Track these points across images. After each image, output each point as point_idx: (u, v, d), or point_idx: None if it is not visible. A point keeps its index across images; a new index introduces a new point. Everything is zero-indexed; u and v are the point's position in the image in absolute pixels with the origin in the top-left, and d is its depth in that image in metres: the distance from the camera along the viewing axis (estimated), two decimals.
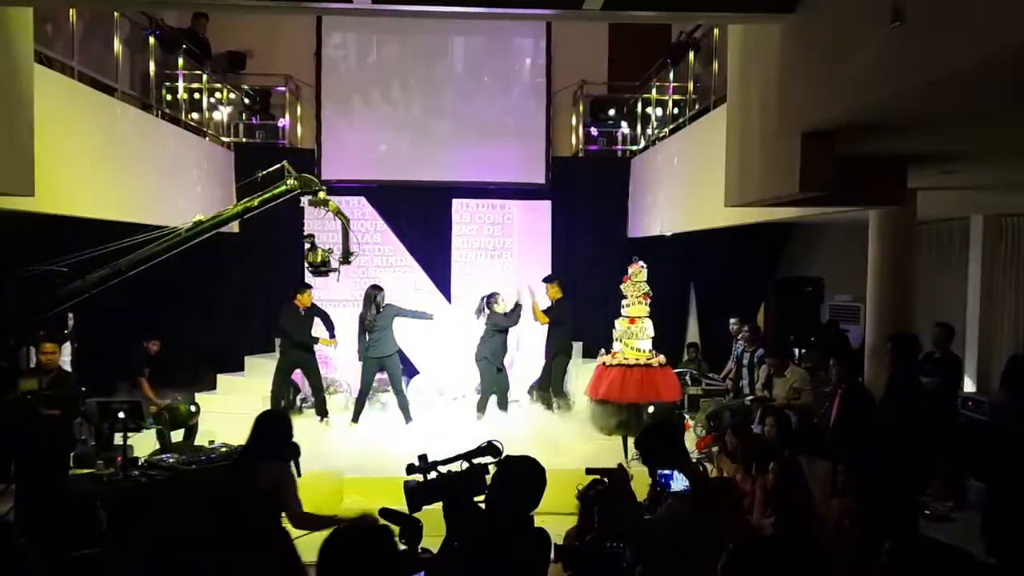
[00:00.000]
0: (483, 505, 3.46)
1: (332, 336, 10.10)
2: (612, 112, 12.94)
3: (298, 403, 10.57)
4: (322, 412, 9.89)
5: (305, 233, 8.49)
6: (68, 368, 8.28)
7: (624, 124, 12.92)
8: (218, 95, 11.74)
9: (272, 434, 4.54)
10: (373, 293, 9.74)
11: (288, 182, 7.47)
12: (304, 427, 9.70)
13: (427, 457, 3.56)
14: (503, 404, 10.09)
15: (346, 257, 8.12)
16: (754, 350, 9.83)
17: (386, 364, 9.72)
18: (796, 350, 9.76)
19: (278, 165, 7.61)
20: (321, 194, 7.83)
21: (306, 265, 8.29)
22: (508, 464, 3.46)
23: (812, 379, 8.21)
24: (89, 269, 6.90)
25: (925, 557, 2.53)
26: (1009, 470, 5.01)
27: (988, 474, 5.73)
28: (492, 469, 3.53)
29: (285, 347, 10.10)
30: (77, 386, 7.21)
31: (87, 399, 7.25)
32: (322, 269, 8.01)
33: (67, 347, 8.45)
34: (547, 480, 3.45)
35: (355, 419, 9.73)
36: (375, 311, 9.62)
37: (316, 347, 9.97)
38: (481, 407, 10.01)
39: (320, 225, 9.99)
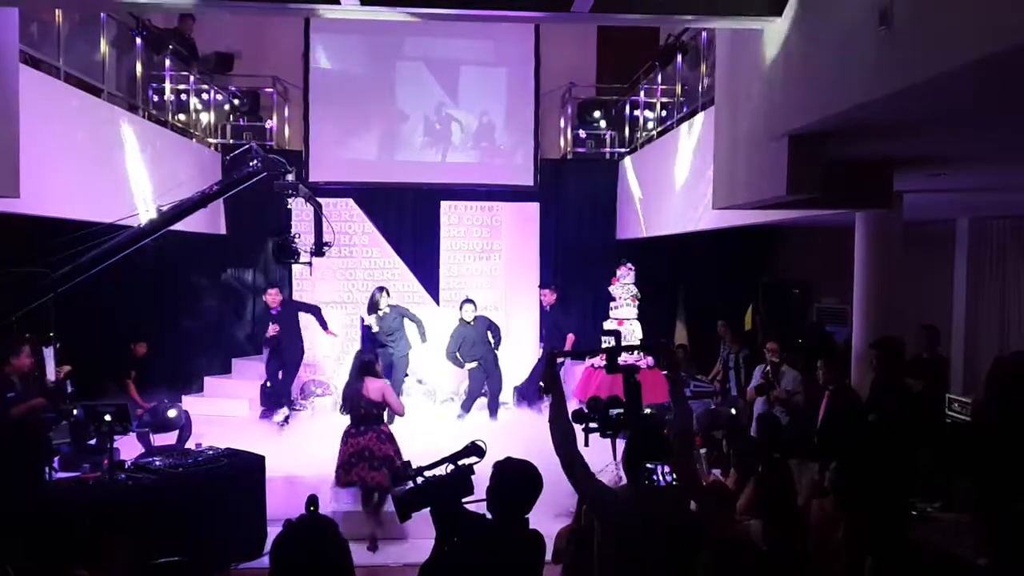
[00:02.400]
0: (474, 507, 3.46)
1: (325, 328, 10.26)
2: (597, 114, 12.94)
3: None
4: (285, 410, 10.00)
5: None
6: (52, 370, 8.24)
7: (603, 123, 12.91)
8: (205, 96, 11.69)
9: (365, 360, 7.15)
10: (377, 295, 9.89)
11: (252, 164, 6.95)
12: (299, 430, 9.68)
13: (411, 464, 3.55)
14: (493, 407, 10.07)
15: (319, 248, 7.60)
16: (738, 351, 9.84)
17: (396, 364, 9.87)
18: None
19: (245, 146, 7.12)
20: (289, 177, 7.30)
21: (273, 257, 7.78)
22: (503, 467, 3.46)
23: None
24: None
25: (911, 558, 2.55)
26: (994, 471, 5.03)
27: (974, 475, 5.75)
28: (477, 469, 3.53)
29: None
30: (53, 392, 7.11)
31: (74, 403, 7.18)
32: (289, 260, 7.44)
33: (49, 351, 8.39)
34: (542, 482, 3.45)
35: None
36: (377, 311, 9.71)
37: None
38: (466, 407, 10.03)
39: (305, 228, 9.94)
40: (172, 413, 7.82)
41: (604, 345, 3.90)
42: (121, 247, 5.76)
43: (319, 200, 8.24)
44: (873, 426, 6.01)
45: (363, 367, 7.10)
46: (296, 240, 7.38)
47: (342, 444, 7.13)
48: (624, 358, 9.71)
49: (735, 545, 3.41)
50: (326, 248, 7.62)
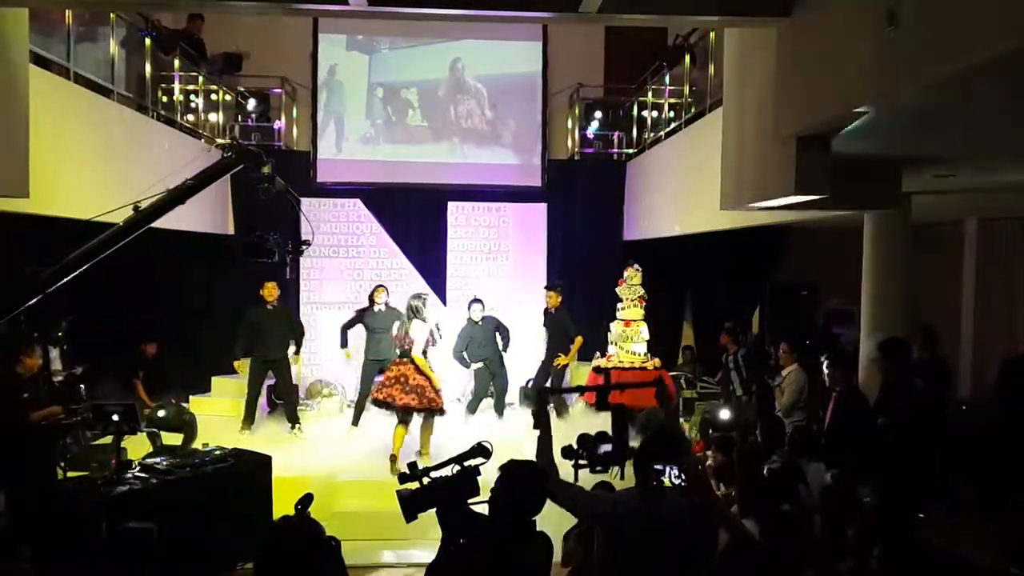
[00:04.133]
0: (480, 508, 3.46)
1: (297, 351, 9.94)
2: (599, 115, 12.92)
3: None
4: (293, 419, 9.59)
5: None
6: (59, 369, 8.28)
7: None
8: (214, 96, 11.72)
9: (415, 305, 8.29)
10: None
11: (226, 154, 6.53)
12: (306, 430, 9.65)
13: (417, 464, 3.55)
14: (499, 408, 10.05)
15: (296, 246, 7.06)
16: (736, 352, 9.81)
17: (387, 368, 9.64)
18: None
19: (227, 140, 6.66)
20: (266, 169, 6.76)
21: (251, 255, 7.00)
22: (510, 468, 3.46)
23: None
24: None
25: (917, 560, 2.54)
26: (1003, 472, 5.03)
27: (982, 476, 5.75)
28: (483, 470, 3.53)
29: (257, 349, 9.69)
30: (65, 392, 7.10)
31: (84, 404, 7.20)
32: (261, 259, 6.83)
33: (55, 351, 8.42)
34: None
35: (355, 422, 9.69)
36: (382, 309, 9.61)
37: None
38: (471, 408, 10.01)
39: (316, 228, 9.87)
40: (160, 412, 7.73)
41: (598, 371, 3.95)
42: (103, 246, 5.64)
43: (306, 197, 7.99)
44: (882, 429, 5.99)
45: (414, 310, 8.29)
46: (271, 238, 6.81)
47: (387, 371, 8.54)
48: (631, 360, 9.71)
49: (745, 546, 3.42)
50: (303, 247, 7.09)
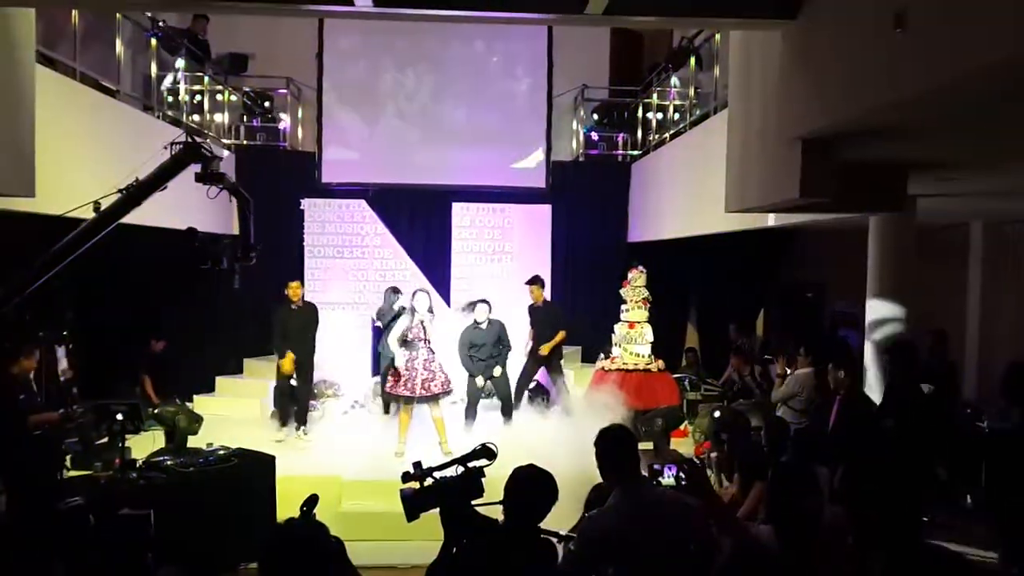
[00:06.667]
0: (484, 510, 3.45)
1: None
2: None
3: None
4: (301, 421, 9.36)
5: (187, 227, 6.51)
6: (65, 368, 8.29)
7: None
8: (219, 97, 11.72)
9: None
10: (389, 295, 9.79)
11: (172, 151, 6.16)
12: (310, 431, 9.62)
13: (421, 464, 3.54)
14: (507, 413, 9.88)
15: (246, 252, 6.55)
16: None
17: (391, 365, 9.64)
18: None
19: (181, 137, 6.34)
20: (215, 165, 6.42)
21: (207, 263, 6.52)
22: (518, 473, 3.44)
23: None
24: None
25: (923, 563, 2.53)
26: (1011, 478, 5.01)
27: (989, 479, 5.72)
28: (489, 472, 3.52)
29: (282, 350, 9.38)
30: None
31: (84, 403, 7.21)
32: (203, 266, 6.35)
33: (62, 350, 8.43)
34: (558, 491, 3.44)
35: (386, 410, 9.83)
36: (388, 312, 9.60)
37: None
38: (469, 414, 9.64)
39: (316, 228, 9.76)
40: (158, 411, 7.69)
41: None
42: (69, 248, 5.55)
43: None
44: (886, 432, 5.96)
45: (412, 309, 8.74)
46: (219, 244, 6.45)
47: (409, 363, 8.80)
48: (636, 362, 9.66)
49: (749, 547, 3.41)
50: (253, 255, 6.57)
